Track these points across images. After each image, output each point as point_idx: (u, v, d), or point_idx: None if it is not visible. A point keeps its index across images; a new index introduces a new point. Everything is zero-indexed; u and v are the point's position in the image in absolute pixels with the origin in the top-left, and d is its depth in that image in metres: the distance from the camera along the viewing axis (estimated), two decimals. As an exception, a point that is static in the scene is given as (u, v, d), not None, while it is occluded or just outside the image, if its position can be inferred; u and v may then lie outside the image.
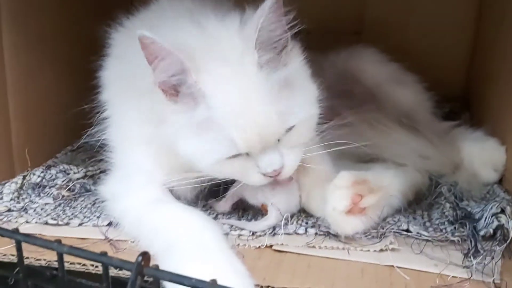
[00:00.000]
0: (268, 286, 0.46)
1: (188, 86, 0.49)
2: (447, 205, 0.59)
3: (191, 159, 0.51)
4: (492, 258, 0.48)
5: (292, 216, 0.58)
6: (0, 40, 0.68)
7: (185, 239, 0.47)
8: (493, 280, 0.46)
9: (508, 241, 0.50)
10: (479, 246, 0.50)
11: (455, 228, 0.55)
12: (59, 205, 0.63)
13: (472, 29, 0.93)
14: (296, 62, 0.53)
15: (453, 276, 0.47)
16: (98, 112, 0.63)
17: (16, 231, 0.39)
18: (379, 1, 0.96)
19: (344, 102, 0.73)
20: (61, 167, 0.70)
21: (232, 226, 0.57)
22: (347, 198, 0.51)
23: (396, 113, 0.71)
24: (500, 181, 0.64)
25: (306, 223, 0.57)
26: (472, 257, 0.49)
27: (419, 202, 0.62)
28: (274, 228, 0.55)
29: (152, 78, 0.49)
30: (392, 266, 0.49)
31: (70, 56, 0.81)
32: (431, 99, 0.75)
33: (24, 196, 0.64)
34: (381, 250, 0.51)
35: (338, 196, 0.51)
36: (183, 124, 0.50)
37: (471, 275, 0.47)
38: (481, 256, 0.49)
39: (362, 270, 0.49)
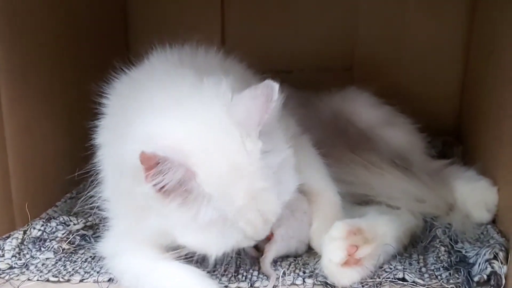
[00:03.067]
0: None
1: (189, 189, 0.47)
2: (442, 248, 0.60)
3: (193, 249, 0.51)
4: (487, 305, 0.50)
5: (290, 263, 0.60)
6: (-2, 96, 0.69)
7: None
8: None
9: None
10: (474, 294, 0.51)
11: (450, 274, 0.55)
12: (60, 259, 0.64)
13: (462, 63, 0.95)
14: (281, 142, 0.53)
15: (449, 326, 0.48)
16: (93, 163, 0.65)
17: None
18: (369, 39, 0.98)
19: (340, 140, 0.75)
20: (61, 219, 0.70)
21: (230, 279, 0.57)
22: (342, 249, 0.52)
23: (390, 154, 0.73)
24: (494, 221, 0.65)
25: (304, 272, 0.58)
26: (467, 305, 0.50)
27: (415, 244, 0.63)
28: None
29: (145, 184, 0.46)
30: (389, 319, 0.50)
31: (67, 105, 0.83)
32: (424, 139, 0.76)
33: (25, 252, 0.64)
34: (379, 302, 0.52)
35: (333, 247, 0.52)
36: (183, 221, 0.49)
37: (466, 325, 0.48)
38: (476, 303, 0.50)
39: (360, 324, 0.50)
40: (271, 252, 0.59)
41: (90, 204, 0.68)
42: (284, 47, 1.00)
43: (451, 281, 0.54)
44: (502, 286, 0.51)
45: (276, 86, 0.48)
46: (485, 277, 0.53)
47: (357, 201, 0.68)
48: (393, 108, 0.76)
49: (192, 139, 0.48)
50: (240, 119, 0.49)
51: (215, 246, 0.50)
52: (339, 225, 0.54)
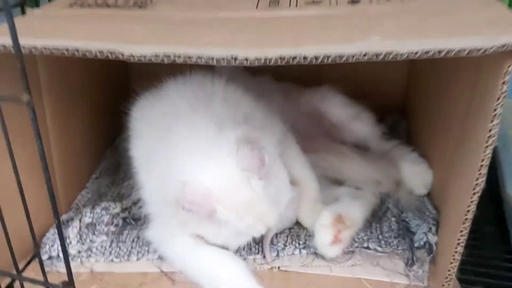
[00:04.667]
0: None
1: (211, 217, 0.67)
2: (393, 219, 0.85)
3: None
4: (422, 266, 0.75)
5: (287, 236, 0.83)
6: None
7: (225, 278, 0.71)
8: (424, 285, 0.73)
9: (432, 253, 0.76)
10: (414, 258, 0.77)
11: (398, 241, 0.80)
12: (113, 241, 0.83)
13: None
14: (276, 167, 0.73)
15: (399, 283, 0.73)
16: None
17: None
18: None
19: (318, 128, 0.97)
20: (103, 205, 0.88)
21: (248, 251, 0.80)
22: (330, 234, 0.76)
23: (355, 142, 0.96)
24: (429, 195, 0.90)
25: (299, 244, 0.81)
26: (410, 267, 0.76)
27: (374, 215, 0.87)
28: (277, 252, 0.80)
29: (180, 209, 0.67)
30: (360, 278, 0.75)
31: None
32: (381, 128, 0.98)
33: (84, 237, 0.83)
34: (352, 265, 0.77)
35: (324, 233, 0.76)
36: (211, 233, 0.72)
37: (410, 282, 0.74)
38: (416, 265, 0.76)
39: (342, 283, 0.74)
40: (269, 236, 0.80)
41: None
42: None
43: (399, 247, 0.79)
44: (434, 251, 0.76)
45: (266, 156, 0.68)
46: (422, 244, 0.78)
47: (331, 181, 0.92)
48: (359, 106, 0.96)
49: (214, 185, 0.67)
50: (245, 167, 0.67)
51: (233, 244, 0.74)
52: (326, 215, 0.77)
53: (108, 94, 1.09)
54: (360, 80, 1.09)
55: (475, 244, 0.81)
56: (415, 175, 0.90)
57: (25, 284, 0.67)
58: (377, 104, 1.02)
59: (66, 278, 0.61)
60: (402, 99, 1.16)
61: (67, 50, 0.59)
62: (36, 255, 0.78)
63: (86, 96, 0.99)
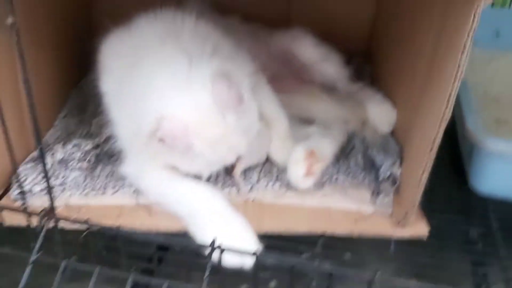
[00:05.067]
0: (259, 230, 0.74)
1: (189, 151, 0.69)
2: (359, 155, 0.89)
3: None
4: (387, 196, 0.81)
5: (260, 171, 0.86)
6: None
7: (203, 206, 0.73)
8: (389, 213, 0.78)
9: (396, 184, 0.82)
10: (380, 188, 0.82)
11: (365, 174, 0.85)
12: (87, 176, 0.83)
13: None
14: (249, 104, 0.75)
15: (366, 211, 0.79)
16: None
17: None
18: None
19: (287, 69, 0.99)
20: (74, 142, 0.87)
21: (222, 185, 0.82)
22: (303, 168, 0.79)
23: (324, 83, 0.98)
24: (392, 133, 0.95)
25: (271, 178, 0.84)
26: (376, 196, 0.81)
27: (341, 151, 0.91)
28: (251, 185, 0.83)
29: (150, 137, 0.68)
30: (330, 207, 0.79)
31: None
32: (348, 70, 1.02)
33: (57, 173, 0.83)
34: (323, 196, 0.81)
35: (297, 167, 0.79)
36: (185, 163, 0.74)
37: (376, 209, 0.79)
38: (381, 195, 0.81)
39: (313, 212, 0.79)
40: (239, 166, 0.82)
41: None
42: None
43: (366, 179, 0.84)
44: (397, 182, 0.81)
45: (244, 95, 0.70)
46: (387, 176, 0.83)
47: (301, 121, 0.95)
48: (328, 47, 0.99)
49: (190, 119, 0.68)
50: (220, 102, 0.69)
51: (206, 172, 0.76)
52: (300, 149, 0.80)
53: (71, 34, 1.05)
54: (327, 23, 1.12)
55: (433, 178, 0.87)
56: (380, 114, 0.94)
57: (4, 216, 0.67)
58: (343, 47, 1.05)
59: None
60: (366, 43, 1.19)
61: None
62: (10, 186, 0.78)
63: (50, 35, 0.96)
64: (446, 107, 0.64)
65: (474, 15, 0.59)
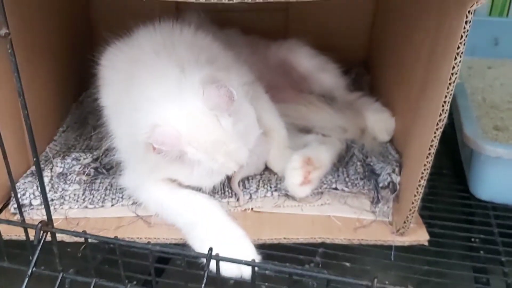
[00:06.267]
0: (258, 239, 0.74)
1: (185, 159, 0.69)
2: (358, 163, 0.89)
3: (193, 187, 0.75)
4: (387, 203, 0.80)
5: (259, 180, 0.86)
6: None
7: (202, 217, 0.73)
8: (389, 220, 0.78)
9: (396, 192, 0.81)
10: (379, 196, 0.81)
11: (364, 182, 0.85)
12: (85, 189, 0.84)
13: (373, 3, 1.17)
14: (245, 107, 0.75)
15: (365, 219, 0.78)
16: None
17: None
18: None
19: (286, 79, 1.00)
20: (73, 156, 0.88)
21: (222, 195, 0.82)
22: (300, 175, 0.79)
23: (322, 93, 0.99)
24: (391, 141, 0.95)
25: (270, 187, 0.84)
26: (376, 204, 0.80)
27: (340, 160, 0.91)
28: (250, 195, 0.82)
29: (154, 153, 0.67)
30: (329, 215, 0.79)
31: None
32: (346, 79, 1.02)
33: (56, 186, 0.83)
34: (322, 205, 0.81)
35: (294, 175, 0.79)
36: (183, 174, 0.73)
37: (376, 217, 0.78)
38: (381, 203, 0.80)
39: (312, 220, 0.78)
40: (238, 175, 0.82)
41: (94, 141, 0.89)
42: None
43: (365, 187, 0.84)
44: (397, 190, 0.81)
45: (234, 92, 0.68)
46: (386, 184, 0.82)
47: (299, 130, 0.95)
48: (325, 57, 0.99)
49: (182, 126, 0.68)
50: (213, 106, 0.69)
51: (207, 183, 0.75)
52: (296, 158, 0.80)
53: (72, 46, 1.06)
54: (325, 35, 1.12)
55: (435, 185, 0.87)
56: (379, 123, 0.94)
57: (1, 228, 0.67)
58: (341, 58, 1.06)
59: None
60: (365, 54, 1.20)
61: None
62: (10, 200, 0.78)
63: (51, 45, 0.97)
64: (442, 112, 0.64)
65: (466, 18, 0.59)
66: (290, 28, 1.16)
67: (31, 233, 0.63)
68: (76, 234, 0.62)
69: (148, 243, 0.60)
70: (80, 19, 1.15)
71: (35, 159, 0.58)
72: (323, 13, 1.16)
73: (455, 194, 0.88)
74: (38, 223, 0.62)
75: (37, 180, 0.81)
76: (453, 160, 0.97)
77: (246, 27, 1.10)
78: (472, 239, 0.80)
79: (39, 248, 0.62)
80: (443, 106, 0.64)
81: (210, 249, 0.58)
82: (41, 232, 0.62)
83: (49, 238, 0.63)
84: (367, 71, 1.16)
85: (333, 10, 1.15)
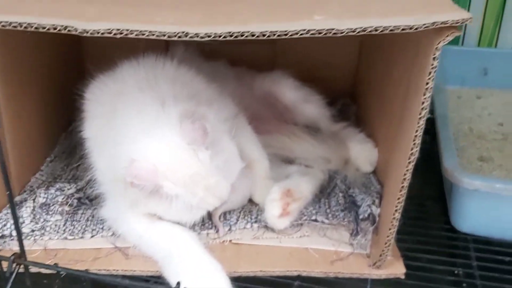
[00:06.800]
0: (234, 272, 0.74)
1: (162, 193, 0.69)
2: (340, 194, 0.89)
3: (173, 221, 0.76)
4: (365, 236, 0.80)
5: (240, 211, 0.86)
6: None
7: (178, 250, 0.73)
8: (366, 253, 0.77)
9: (375, 223, 0.81)
10: (359, 228, 0.81)
11: (345, 214, 0.85)
12: (67, 220, 0.84)
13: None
14: (224, 141, 0.76)
15: (343, 252, 0.78)
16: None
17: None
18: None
19: (270, 111, 1.01)
20: (57, 186, 0.89)
21: (201, 227, 0.82)
22: (279, 207, 0.79)
23: (307, 123, 1.00)
24: (374, 172, 0.95)
25: (251, 218, 0.84)
26: (354, 236, 0.80)
27: (322, 191, 0.91)
28: (230, 226, 0.83)
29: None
30: (307, 248, 0.79)
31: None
32: (329, 110, 1.03)
33: (38, 217, 0.83)
34: (300, 237, 0.81)
35: (273, 206, 0.79)
36: (162, 208, 0.73)
37: (354, 250, 0.78)
38: (360, 235, 0.80)
39: (290, 253, 0.78)
40: (219, 210, 0.82)
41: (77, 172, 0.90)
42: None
43: (345, 219, 0.83)
44: (376, 221, 0.81)
45: (207, 125, 0.69)
46: (366, 215, 0.82)
47: (282, 160, 0.95)
48: (309, 89, 1.01)
49: (159, 160, 0.69)
50: (190, 140, 0.70)
51: (187, 219, 0.75)
52: (276, 189, 0.81)
53: (62, 79, 1.08)
54: (312, 66, 1.14)
55: (418, 216, 0.87)
56: (362, 153, 0.95)
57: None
58: (328, 89, 1.07)
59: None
60: (351, 84, 1.21)
61: (20, 24, 0.60)
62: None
63: (40, 79, 0.99)
64: (413, 146, 0.65)
65: (434, 55, 0.60)
66: (278, 60, 1.18)
67: (6, 265, 0.63)
68: (47, 266, 0.63)
69: (119, 276, 0.60)
70: (72, 53, 1.17)
71: (8, 192, 0.58)
72: (311, 46, 1.17)
73: (439, 226, 0.87)
74: (11, 255, 0.62)
75: (20, 210, 0.83)
76: (439, 191, 0.97)
77: (235, 58, 1.12)
78: (456, 272, 0.79)
79: (11, 280, 0.62)
80: (414, 140, 0.64)
81: (178, 283, 0.58)
82: (14, 264, 0.62)
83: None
84: (353, 101, 1.17)
85: (320, 43, 1.16)
